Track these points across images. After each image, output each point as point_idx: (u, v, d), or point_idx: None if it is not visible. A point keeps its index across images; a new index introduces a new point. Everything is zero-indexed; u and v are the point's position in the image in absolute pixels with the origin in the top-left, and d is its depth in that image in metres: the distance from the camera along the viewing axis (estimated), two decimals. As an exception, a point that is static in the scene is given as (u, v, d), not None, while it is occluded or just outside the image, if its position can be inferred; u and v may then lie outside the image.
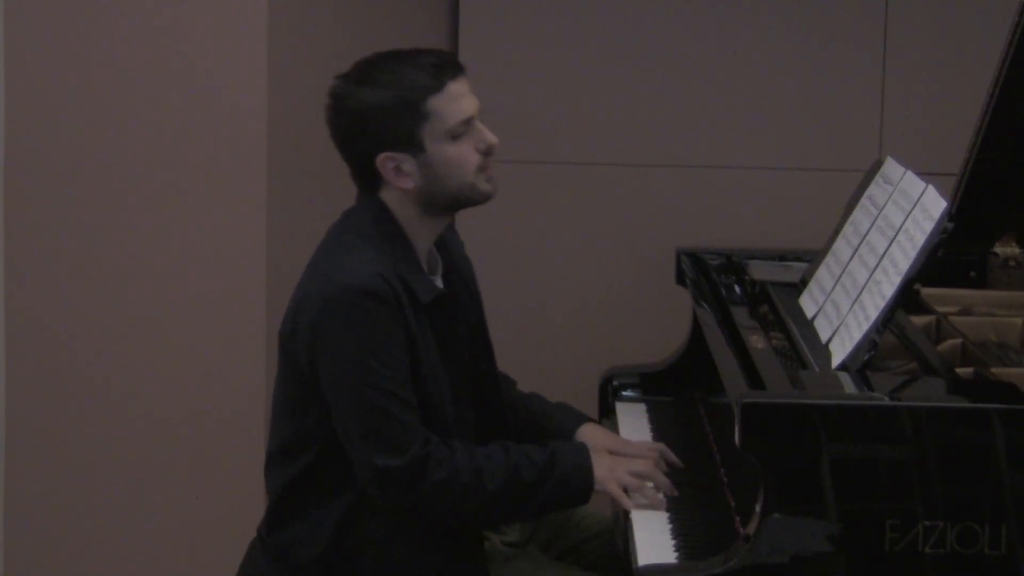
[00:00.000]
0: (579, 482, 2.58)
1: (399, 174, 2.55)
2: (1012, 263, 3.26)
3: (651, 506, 2.61)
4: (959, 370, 2.63)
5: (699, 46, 3.98)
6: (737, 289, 3.19)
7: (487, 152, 2.58)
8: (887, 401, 2.34)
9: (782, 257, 3.33)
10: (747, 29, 3.96)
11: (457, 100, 2.54)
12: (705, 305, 3.12)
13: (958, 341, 2.82)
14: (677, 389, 3.27)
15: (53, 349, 3.49)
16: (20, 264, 3.46)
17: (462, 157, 2.56)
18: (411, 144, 2.53)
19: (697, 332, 3.19)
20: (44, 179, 3.44)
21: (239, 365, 3.44)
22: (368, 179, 2.60)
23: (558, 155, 4.03)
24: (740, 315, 2.97)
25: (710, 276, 3.30)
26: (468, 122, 2.56)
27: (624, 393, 3.30)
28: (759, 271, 3.22)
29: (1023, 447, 2.29)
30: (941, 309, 3.03)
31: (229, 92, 3.38)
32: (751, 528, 2.33)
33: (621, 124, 3.99)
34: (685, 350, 3.32)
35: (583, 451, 2.62)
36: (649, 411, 3.19)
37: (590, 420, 2.88)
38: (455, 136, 2.55)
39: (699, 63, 3.98)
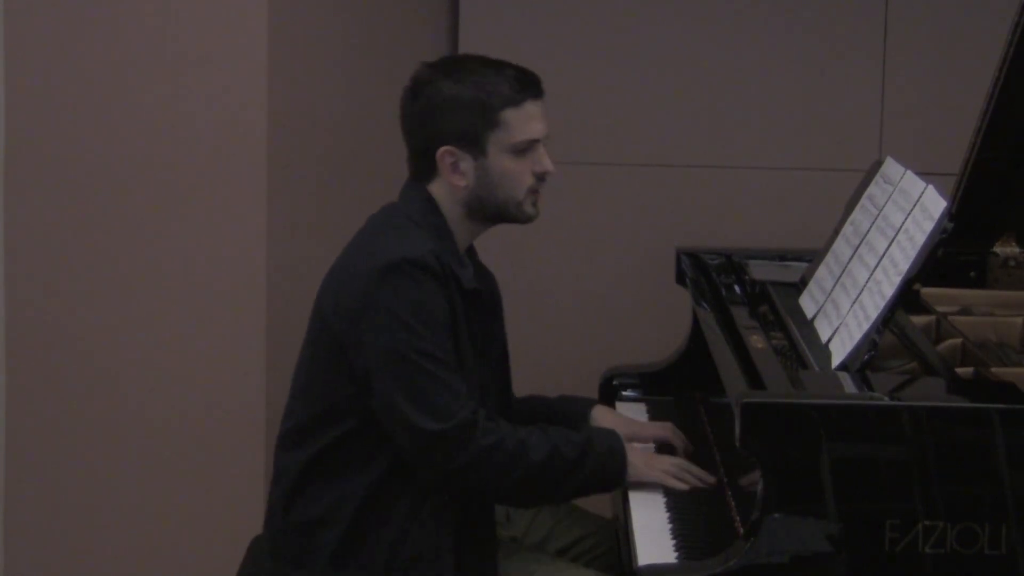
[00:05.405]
0: (614, 464, 2.64)
1: (454, 170, 2.62)
2: (1012, 263, 3.26)
3: (699, 484, 2.68)
4: (959, 370, 2.63)
5: (699, 46, 3.98)
6: (737, 289, 3.19)
7: (541, 177, 2.66)
8: (887, 401, 2.34)
9: (782, 257, 3.33)
10: (747, 29, 3.96)
11: (530, 120, 2.62)
12: (705, 305, 3.12)
13: (958, 341, 2.82)
14: (677, 389, 3.27)
15: (53, 349, 3.49)
16: (20, 263, 3.46)
17: (518, 174, 2.63)
18: (474, 145, 2.60)
19: (697, 332, 3.19)
20: (44, 179, 3.44)
21: (239, 364, 3.44)
22: (424, 168, 2.65)
23: (557, 155, 4.00)
24: (740, 315, 2.96)
25: (710, 276, 3.30)
26: (533, 143, 2.63)
27: (624, 393, 3.30)
28: (759, 271, 3.22)
29: (1023, 447, 2.29)
30: (941, 309, 3.03)
31: (229, 92, 3.38)
32: (751, 528, 2.33)
33: (620, 124, 3.98)
34: (685, 350, 3.32)
35: (615, 435, 2.68)
36: (649, 411, 3.19)
37: (596, 402, 2.97)
38: (517, 152, 2.62)
39: (699, 63, 3.98)
